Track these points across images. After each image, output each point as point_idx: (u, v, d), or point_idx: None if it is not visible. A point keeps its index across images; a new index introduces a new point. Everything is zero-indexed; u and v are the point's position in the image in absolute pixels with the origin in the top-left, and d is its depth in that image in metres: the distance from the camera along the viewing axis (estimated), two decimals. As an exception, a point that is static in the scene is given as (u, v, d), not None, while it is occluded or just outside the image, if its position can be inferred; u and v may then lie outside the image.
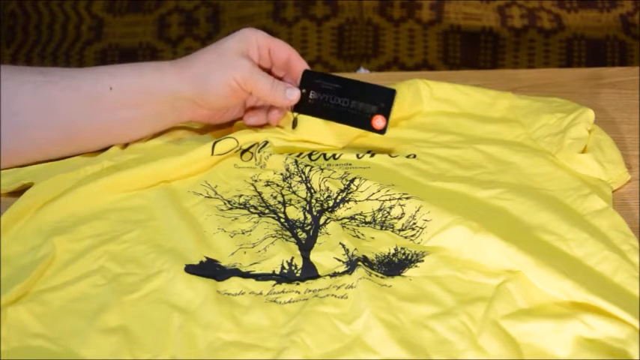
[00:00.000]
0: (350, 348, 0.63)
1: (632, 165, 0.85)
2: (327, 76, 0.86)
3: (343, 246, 0.72)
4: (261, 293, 0.68)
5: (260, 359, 0.62)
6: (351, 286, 0.67)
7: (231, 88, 0.83)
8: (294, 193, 0.80)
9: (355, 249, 0.72)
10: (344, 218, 0.77)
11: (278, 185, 0.82)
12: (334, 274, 0.70)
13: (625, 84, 1.00)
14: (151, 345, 0.64)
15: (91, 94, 0.83)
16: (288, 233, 0.75)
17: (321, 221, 0.76)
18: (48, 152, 0.85)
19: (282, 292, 0.68)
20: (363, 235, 0.75)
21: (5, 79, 0.81)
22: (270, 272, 0.70)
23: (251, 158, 0.86)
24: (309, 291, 0.68)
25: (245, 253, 0.73)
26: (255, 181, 0.83)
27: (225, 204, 0.79)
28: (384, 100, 0.84)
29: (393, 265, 0.71)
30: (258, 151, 0.85)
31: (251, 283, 0.69)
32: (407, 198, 0.76)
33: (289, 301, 0.67)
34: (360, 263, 0.70)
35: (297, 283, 0.69)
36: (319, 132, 0.87)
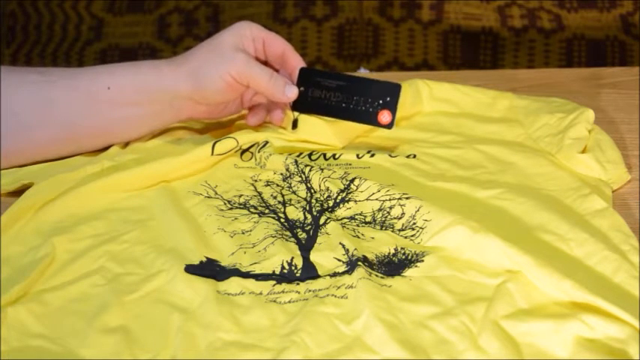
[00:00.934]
0: (350, 348, 0.63)
1: (632, 165, 0.85)
2: (326, 74, 0.85)
3: (343, 246, 0.72)
4: (261, 293, 0.68)
5: (260, 359, 0.62)
6: (351, 286, 0.67)
7: (226, 82, 0.82)
8: (294, 193, 0.80)
9: (355, 249, 0.72)
10: (344, 218, 0.77)
11: (278, 185, 0.82)
12: (334, 274, 0.70)
13: (625, 84, 1.00)
14: (151, 345, 0.64)
15: (89, 93, 0.83)
16: (288, 233, 0.75)
17: (321, 221, 0.76)
18: (47, 152, 0.85)
19: (282, 292, 0.68)
20: (363, 235, 0.75)
21: (5, 79, 0.81)
22: (270, 272, 0.70)
23: (251, 158, 0.86)
24: (309, 291, 0.68)
25: (245, 253, 0.73)
26: (255, 181, 0.83)
27: (225, 204, 0.79)
28: (389, 95, 0.84)
29: (393, 265, 0.71)
30: (258, 151, 0.85)
31: (251, 283, 0.69)
32: (407, 198, 0.76)
33: (289, 301, 0.67)
34: (360, 263, 0.70)
35: (297, 283, 0.69)
36: (319, 132, 0.87)
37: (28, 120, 0.82)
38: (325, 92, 0.85)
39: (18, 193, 0.80)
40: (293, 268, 0.71)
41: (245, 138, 0.86)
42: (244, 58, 0.82)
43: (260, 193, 0.81)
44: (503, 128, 0.90)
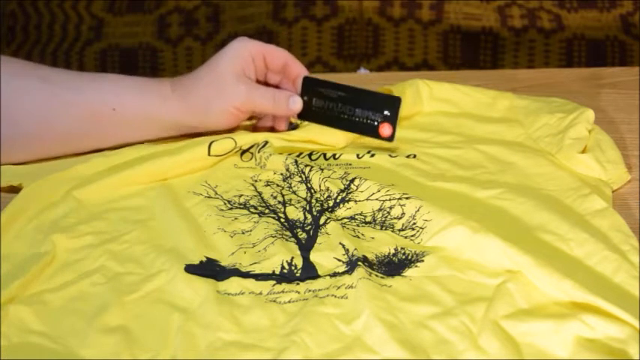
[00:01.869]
0: (350, 348, 0.63)
1: (632, 165, 0.85)
2: (329, 84, 0.86)
3: (343, 246, 0.72)
4: (261, 293, 0.68)
5: (260, 359, 0.62)
6: (351, 286, 0.67)
7: (231, 114, 0.84)
8: (294, 193, 0.80)
9: (355, 249, 0.72)
10: (344, 218, 0.77)
11: (278, 185, 0.82)
12: (334, 274, 0.70)
13: (625, 84, 1.00)
14: (150, 345, 0.64)
15: (93, 113, 0.83)
16: (288, 233, 0.75)
17: (321, 221, 0.76)
18: (42, 157, 0.85)
19: (282, 292, 0.68)
20: (363, 235, 0.75)
21: (6, 82, 0.81)
22: (270, 272, 0.70)
23: (251, 158, 0.86)
24: (309, 291, 0.68)
25: (245, 253, 0.73)
26: (256, 181, 0.83)
27: (225, 204, 0.79)
28: (389, 109, 0.85)
29: (393, 265, 0.71)
30: (258, 151, 0.85)
31: (251, 283, 0.69)
32: (407, 198, 0.76)
33: (289, 301, 0.67)
34: (360, 263, 0.70)
35: (297, 283, 0.69)
36: (319, 132, 0.87)
37: (27, 130, 0.82)
38: (327, 102, 0.86)
39: (16, 190, 0.80)
40: (293, 268, 0.71)
41: (244, 138, 0.86)
42: (246, 90, 0.83)
43: (260, 193, 0.81)
44: (503, 128, 0.90)
